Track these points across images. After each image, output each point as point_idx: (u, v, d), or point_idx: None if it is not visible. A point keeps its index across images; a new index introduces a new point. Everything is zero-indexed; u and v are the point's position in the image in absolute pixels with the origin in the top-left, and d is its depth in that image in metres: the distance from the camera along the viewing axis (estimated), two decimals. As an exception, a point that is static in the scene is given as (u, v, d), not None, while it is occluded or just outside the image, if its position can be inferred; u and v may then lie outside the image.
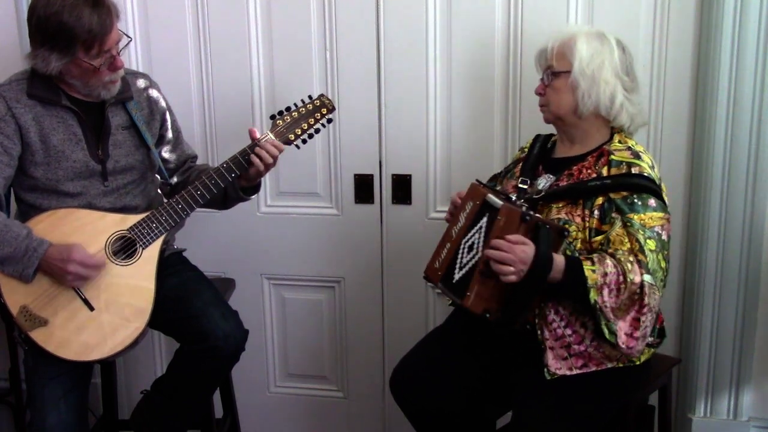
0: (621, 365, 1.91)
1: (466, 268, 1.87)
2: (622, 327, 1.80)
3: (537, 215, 1.82)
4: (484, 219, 1.85)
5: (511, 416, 1.94)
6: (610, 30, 1.99)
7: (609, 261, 1.78)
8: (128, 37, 2.03)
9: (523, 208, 1.80)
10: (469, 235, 1.89)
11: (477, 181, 2.01)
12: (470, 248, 1.88)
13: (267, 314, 2.78)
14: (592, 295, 1.76)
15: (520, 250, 1.74)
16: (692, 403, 2.43)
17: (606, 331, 1.79)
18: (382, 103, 2.51)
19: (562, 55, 1.93)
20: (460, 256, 1.91)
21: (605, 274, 1.76)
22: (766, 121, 2.21)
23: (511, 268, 1.74)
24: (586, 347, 1.88)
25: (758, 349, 2.37)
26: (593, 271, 1.76)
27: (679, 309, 2.47)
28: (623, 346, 1.81)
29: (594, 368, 1.89)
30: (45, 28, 1.92)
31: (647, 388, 2.05)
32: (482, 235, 1.84)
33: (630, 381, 1.95)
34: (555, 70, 1.95)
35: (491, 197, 1.85)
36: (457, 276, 1.90)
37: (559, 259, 1.78)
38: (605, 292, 1.77)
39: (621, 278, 1.77)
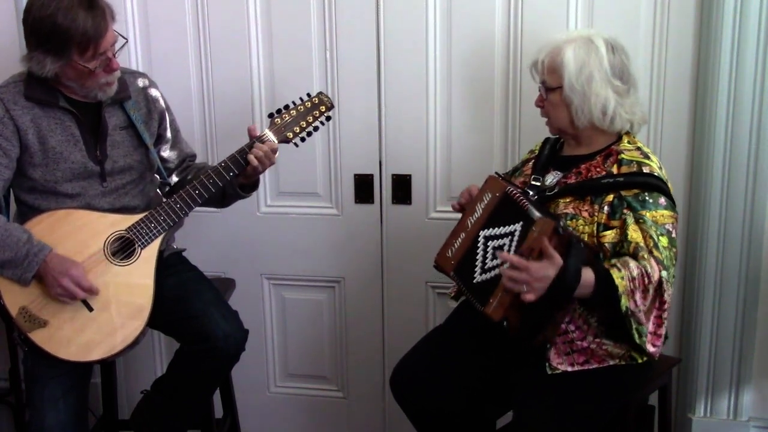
0: (623, 363, 1.91)
1: (491, 273, 1.85)
2: (649, 327, 1.81)
3: (571, 231, 1.79)
4: (517, 226, 1.82)
5: (512, 416, 1.94)
6: (609, 30, 1.99)
7: (632, 264, 1.77)
8: (124, 38, 2.03)
9: (561, 223, 1.77)
10: (492, 232, 1.88)
11: (496, 173, 2.01)
12: (497, 251, 1.85)
13: (267, 314, 2.78)
14: (624, 302, 1.74)
15: (536, 267, 1.68)
16: (692, 403, 2.43)
17: (636, 335, 1.79)
18: (382, 103, 2.51)
19: (553, 70, 1.93)
20: (482, 255, 1.89)
21: (633, 279, 1.75)
22: (766, 121, 2.21)
23: (523, 287, 1.69)
24: (589, 344, 1.88)
25: (758, 349, 2.37)
26: (621, 278, 1.74)
27: (679, 309, 2.47)
28: (650, 346, 1.82)
29: (596, 365, 1.89)
30: (39, 31, 1.92)
31: (647, 388, 2.05)
32: (514, 242, 1.81)
33: (630, 380, 1.95)
34: (548, 86, 1.95)
35: (525, 203, 1.81)
36: (479, 278, 1.88)
37: (588, 275, 1.73)
38: (637, 296, 1.76)
39: (646, 279, 1.77)
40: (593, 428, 1.90)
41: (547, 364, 1.88)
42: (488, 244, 1.89)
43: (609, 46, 1.92)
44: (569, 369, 1.88)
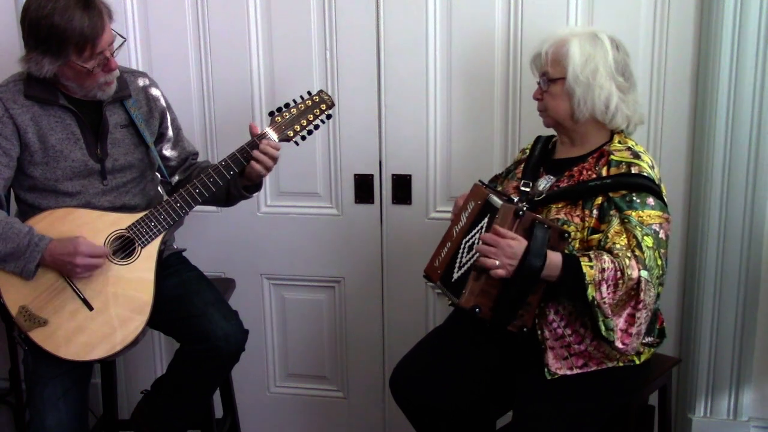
0: (621, 365, 1.91)
1: (465, 267, 1.87)
2: (618, 323, 1.80)
3: (535, 214, 1.82)
4: (485, 219, 1.85)
5: (512, 416, 1.94)
6: (609, 30, 1.99)
7: (606, 257, 1.77)
8: (122, 37, 2.03)
9: (523, 207, 1.80)
10: (470, 235, 1.90)
11: (480, 181, 2.01)
12: (470, 248, 1.88)
13: (267, 314, 2.78)
14: (590, 292, 1.75)
15: (505, 243, 1.75)
16: (692, 403, 2.43)
17: (603, 327, 1.78)
18: (382, 103, 2.51)
19: (557, 61, 1.93)
20: (460, 255, 1.91)
21: (603, 270, 1.75)
22: (766, 121, 2.21)
23: (496, 261, 1.75)
24: (586, 347, 1.88)
25: (758, 349, 2.37)
26: (591, 267, 1.75)
27: (679, 309, 2.47)
28: (618, 342, 1.80)
29: (594, 367, 1.89)
30: (37, 32, 1.92)
31: (647, 388, 2.05)
32: (482, 233, 1.84)
33: (630, 381, 1.96)
34: (551, 77, 1.95)
35: (493, 198, 1.85)
36: (455, 275, 1.90)
37: (555, 257, 1.77)
38: (603, 288, 1.76)
39: (619, 274, 1.76)
40: (593, 428, 1.90)
41: (546, 369, 1.88)
42: (466, 246, 1.91)
43: (613, 43, 1.93)
44: (568, 373, 1.88)
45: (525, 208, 1.79)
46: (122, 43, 2.03)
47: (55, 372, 2.07)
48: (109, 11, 1.99)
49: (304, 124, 2.15)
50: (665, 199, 1.89)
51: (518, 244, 1.76)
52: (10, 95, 2.02)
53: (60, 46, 1.92)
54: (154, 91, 2.23)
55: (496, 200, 1.83)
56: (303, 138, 2.16)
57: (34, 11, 1.92)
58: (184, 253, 2.32)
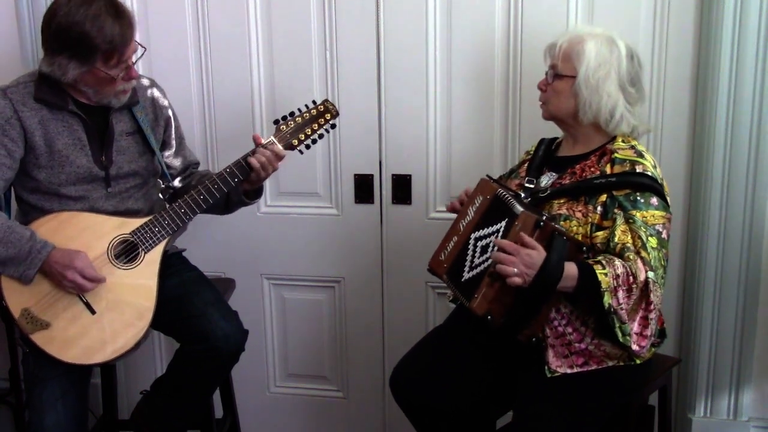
0: (622, 364, 1.91)
1: (478, 269, 1.86)
2: (633, 327, 1.80)
3: (555, 225, 1.79)
4: (503, 223, 1.83)
5: (512, 416, 1.94)
6: (611, 30, 1.99)
7: (617, 262, 1.77)
8: (143, 47, 2.03)
9: (544, 217, 1.78)
10: (481, 233, 1.89)
11: (487, 176, 2.01)
12: (484, 250, 1.86)
13: (267, 314, 2.78)
14: (606, 299, 1.75)
15: (525, 253, 1.72)
16: (692, 403, 2.44)
17: (620, 334, 1.79)
18: (382, 103, 2.51)
19: (568, 57, 1.92)
20: (471, 254, 1.90)
21: (617, 276, 1.75)
22: (766, 121, 2.21)
23: (514, 270, 1.72)
24: (587, 345, 1.88)
25: (758, 349, 2.37)
26: (605, 274, 1.75)
27: (679, 309, 2.47)
28: (635, 346, 1.81)
29: (594, 366, 1.90)
30: (65, 37, 1.91)
31: (647, 388, 2.05)
32: (498, 237, 1.82)
33: (630, 381, 1.96)
34: (558, 72, 1.94)
35: (511, 200, 1.83)
36: (466, 275, 1.89)
37: (571, 268, 1.75)
38: (620, 294, 1.76)
39: (631, 278, 1.77)
40: (593, 428, 1.90)
41: (546, 367, 1.88)
42: (477, 244, 1.89)
43: (629, 53, 1.92)
44: (568, 371, 1.88)
45: (546, 221, 1.76)
46: (143, 53, 2.04)
47: (53, 373, 2.07)
48: (134, 20, 1.99)
49: (309, 133, 2.15)
50: (668, 198, 1.89)
51: (538, 254, 1.72)
52: (19, 97, 2.02)
53: (88, 52, 1.91)
54: (161, 98, 2.23)
55: (517, 206, 1.80)
56: (307, 147, 2.17)
57: (63, 16, 1.90)
58: (184, 253, 2.32)
